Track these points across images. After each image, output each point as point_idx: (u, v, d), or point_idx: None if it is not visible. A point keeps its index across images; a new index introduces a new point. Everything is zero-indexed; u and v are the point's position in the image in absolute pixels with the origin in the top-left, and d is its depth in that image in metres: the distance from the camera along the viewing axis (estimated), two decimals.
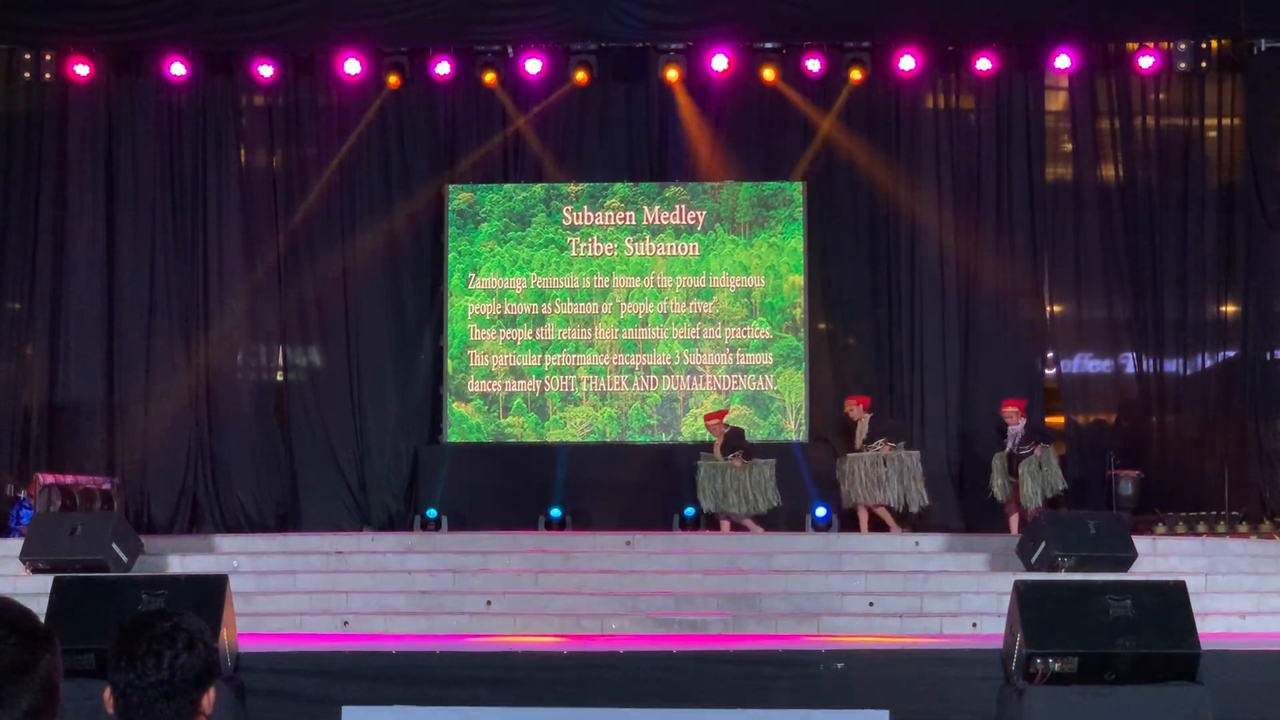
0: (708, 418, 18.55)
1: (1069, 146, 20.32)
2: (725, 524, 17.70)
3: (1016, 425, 17.49)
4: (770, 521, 17.82)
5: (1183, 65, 19.60)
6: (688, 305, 19.96)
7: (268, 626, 13.37)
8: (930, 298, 19.80)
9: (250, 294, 20.13)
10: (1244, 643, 12.29)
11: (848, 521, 18.92)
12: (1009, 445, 17.40)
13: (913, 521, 18.10)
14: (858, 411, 18.27)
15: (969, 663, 10.64)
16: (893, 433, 18.00)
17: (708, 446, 18.24)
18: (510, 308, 20.03)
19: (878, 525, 17.68)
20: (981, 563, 15.32)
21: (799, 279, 19.90)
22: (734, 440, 18.04)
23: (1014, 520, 17.22)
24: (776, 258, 19.97)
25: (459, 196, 20.15)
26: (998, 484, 17.40)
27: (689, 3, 19.92)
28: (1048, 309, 20.14)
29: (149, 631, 3.33)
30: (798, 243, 19.92)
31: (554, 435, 19.72)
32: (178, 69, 19.74)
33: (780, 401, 19.68)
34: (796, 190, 19.98)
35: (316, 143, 20.30)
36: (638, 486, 19.03)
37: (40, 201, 19.94)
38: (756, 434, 19.45)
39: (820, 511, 18.41)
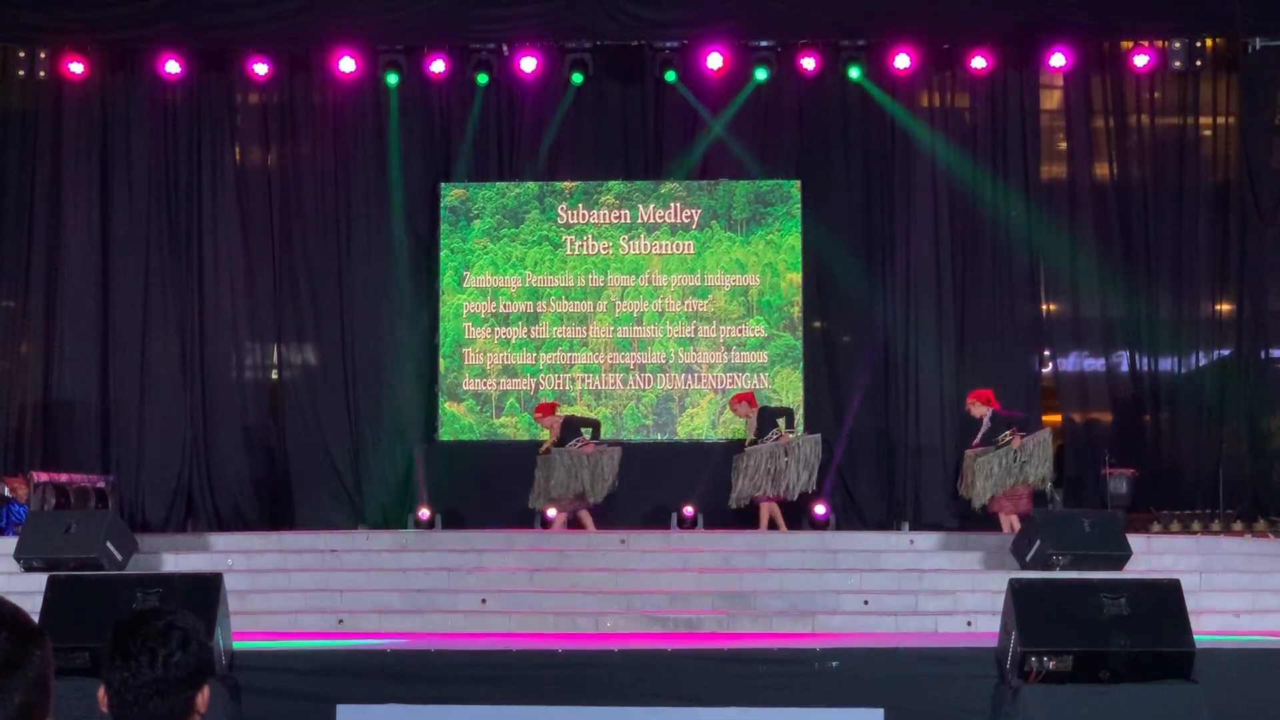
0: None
1: (1064, 145, 20.33)
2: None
3: (984, 415, 17.21)
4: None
5: (1177, 64, 19.61)
6: (683, 303, 19.95)
7: (262, 625, 13.36)
8: (926, 296, 19.79)
9: (245, 292, 20.12)
10: (1239, 641, 12.29)
11: (844, 519, 18.97)
12: (985, 436, 17.12)
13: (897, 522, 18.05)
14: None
15: (964, 661, 10.63)
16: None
17: (704, 446, 18.21)
18: (504, 306, 20.02)
19: (773, 523, 17.51)
20: (976, 561, 15.32)
21: (796, 277, 19.88)
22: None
23: (1008, 519, 17.03)
24: (774, 255, 19.95)
25: (451, 193, 20.14)
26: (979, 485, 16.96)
27: (684, 1, 19.91)
28: (1043, 307, 20.14)
29: (143, 630, 3.33)
30: (795, 240, 19.90)
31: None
32: (172, 67, 19.73)
33: (778, 401, 19.65)
34: (794, 187, 19.98)
35: (311, 141, 20.29)
36: (633, 486, 19.00)
37: (35, 199, 19.93)
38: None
39: (819, 509, 18.38)
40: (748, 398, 18.18)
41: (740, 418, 18.26)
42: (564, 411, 18.34)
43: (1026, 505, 16.79)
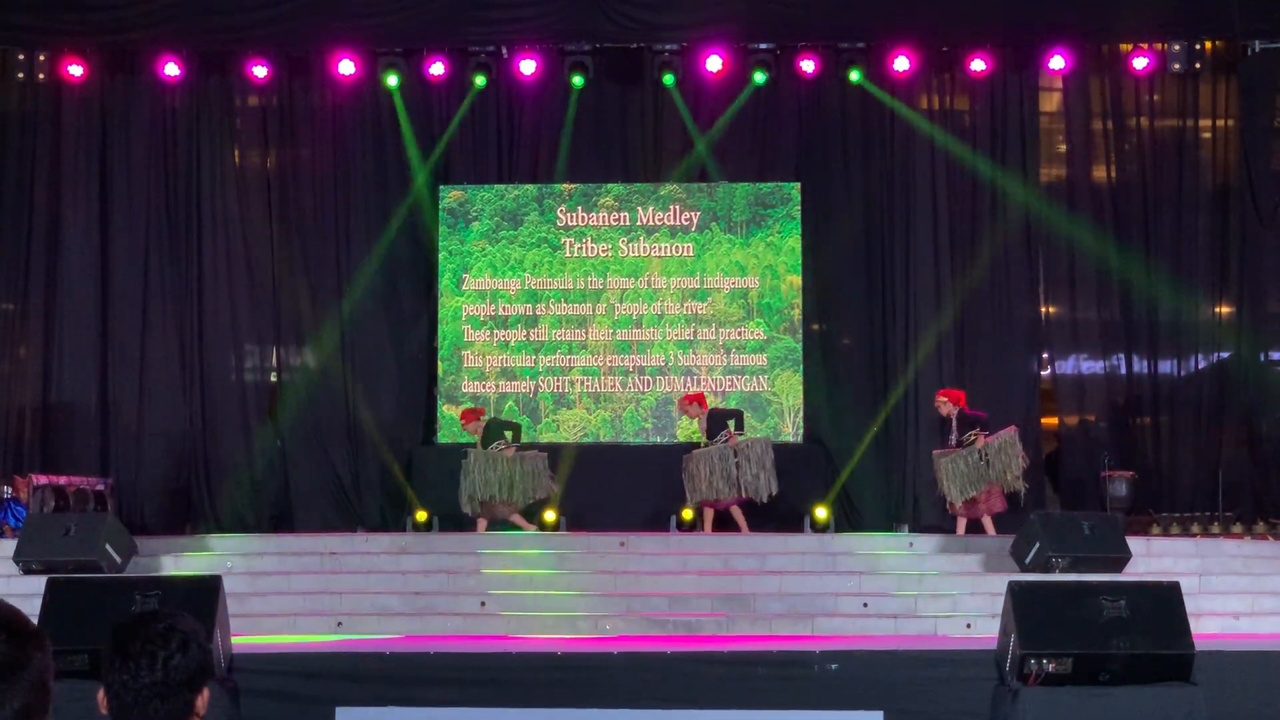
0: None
1: (1063, 147, 20.35)
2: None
3: (952, 415, 17.20)
4: (764, 523, 17.82)
5: (1177, 66, 19.62)
6: (683, 306, 19.94)
7: (262, 627, 13.33)
8: (925, 298, 19.79)
9: (244, 295, 20.12)
10: (1238, 643, 12.28)
11: (843, 522, 18.98)
12: (953, 438, 17.14)
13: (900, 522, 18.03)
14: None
15: (963, 664, 10.62)
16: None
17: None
18: (503, 308, 20.02)
19: (722, 525, 17.42)
20: (976, 564, 15.32)
21: (797, 279, 19.87)
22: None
23: (987, 521, 17.00)
24: (774, 257, 19.94)
25: (449, 195, 20.15)
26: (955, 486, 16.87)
27: (683, 4, 19.93)
28: (1042, 309, 20.14)
29: (143, 632, 3.33)
30: (795, 242, 19.90)
31: (546, 438, 19.69)
32: (171, 69, 19.73)
33: (778, 404, 19.65)
34: (794, 189, 19.97)
35: (310, 143, 20.30)
36: (632, 489, 18.99)
37: (34, 202, 19.94)
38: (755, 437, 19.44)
39: (821, 513, 18.33)
40: (698, 398, 18.14)
41: (691, 419, 18.24)
42: (504, 416, 18.38)
43: (1000, 505, 16.82)
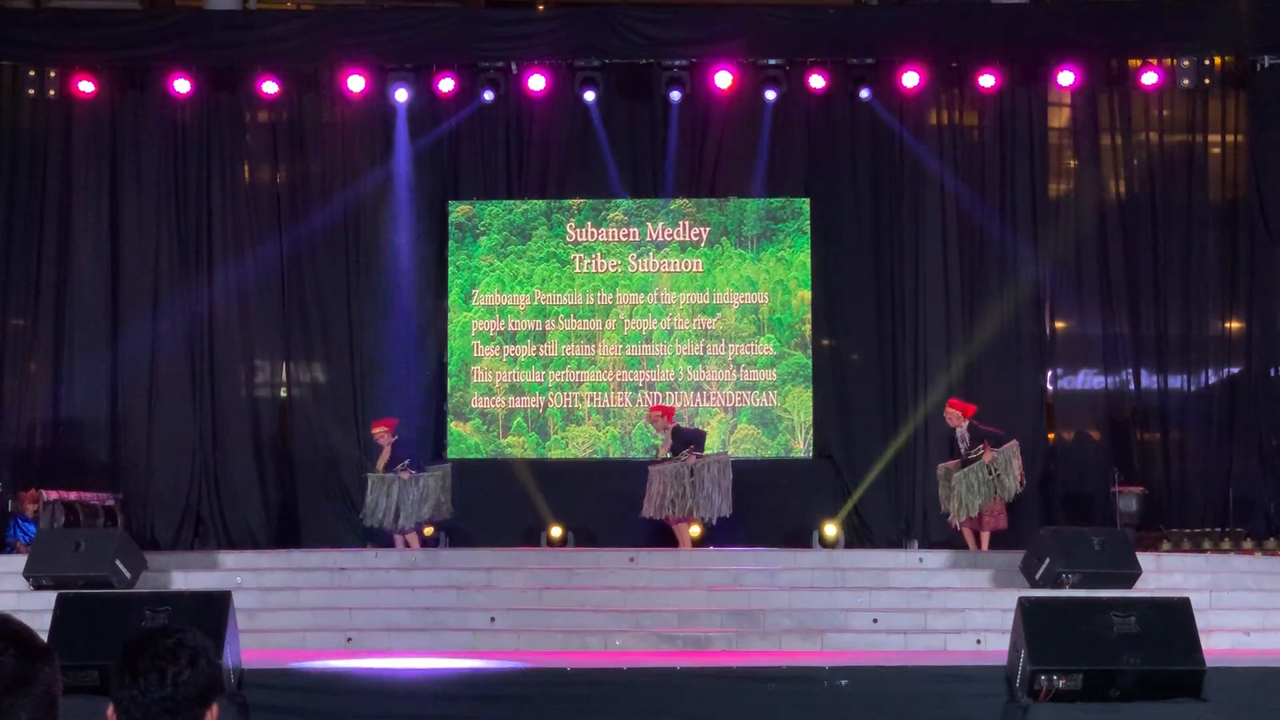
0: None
1: (1072, 163, 20.33)
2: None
3: (960, 427, 17.25)
4: (774, 539, 17.80)
5: (1186, 82, 19.60)
6: (692, 321, 19.94)
7: (271, 643, 13.35)
8: (934, 314, 19.77)
9: (254, 310, 20.14)
10: (1249, 660, 12.26)
11: (853, 537, 18.97)
12: (964, 449, 17.15)
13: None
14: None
15: (973, 679, 10.61)
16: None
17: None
18: (512, 324, 20.02)
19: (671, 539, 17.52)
20: (986, 579, 15.30)
21: (807, 294, 19.85)
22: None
23: (971, 535, 17.04)
24: (785, 272, 19.93)
25: (458, 209, 20.16)
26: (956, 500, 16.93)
27: (693, 20, 19.96)
28: (1050, 325, 20.12)
29: (152, 648, 3.33)
30: (806, 257, 19.89)
31: (555, 454, 19.68)
32: (182, 86, 19.76)
33: (789, 420, 19.62)
34: (805, 204, 19.96)
35: (320, 159, 20.33)
36: (641, 504, 18.95)
37: (45, 218, 19.96)
38: (764, 453, 19.46)
39: (830, 530, 18.29)
40: (667, 412, 18.17)
41: (656, 431, 18.20)
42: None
43: (1002, 522, 16.85)
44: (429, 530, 18.70)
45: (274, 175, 20.44)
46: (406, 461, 17.61)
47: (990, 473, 16.75)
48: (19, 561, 14.93)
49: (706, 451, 17.80)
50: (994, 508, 16.82)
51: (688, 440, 17.69)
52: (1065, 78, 19.64)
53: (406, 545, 17.45)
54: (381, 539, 18.35)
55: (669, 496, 17.29)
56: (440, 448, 19.91)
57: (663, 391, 19.77)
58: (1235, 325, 19.85)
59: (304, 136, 20.36)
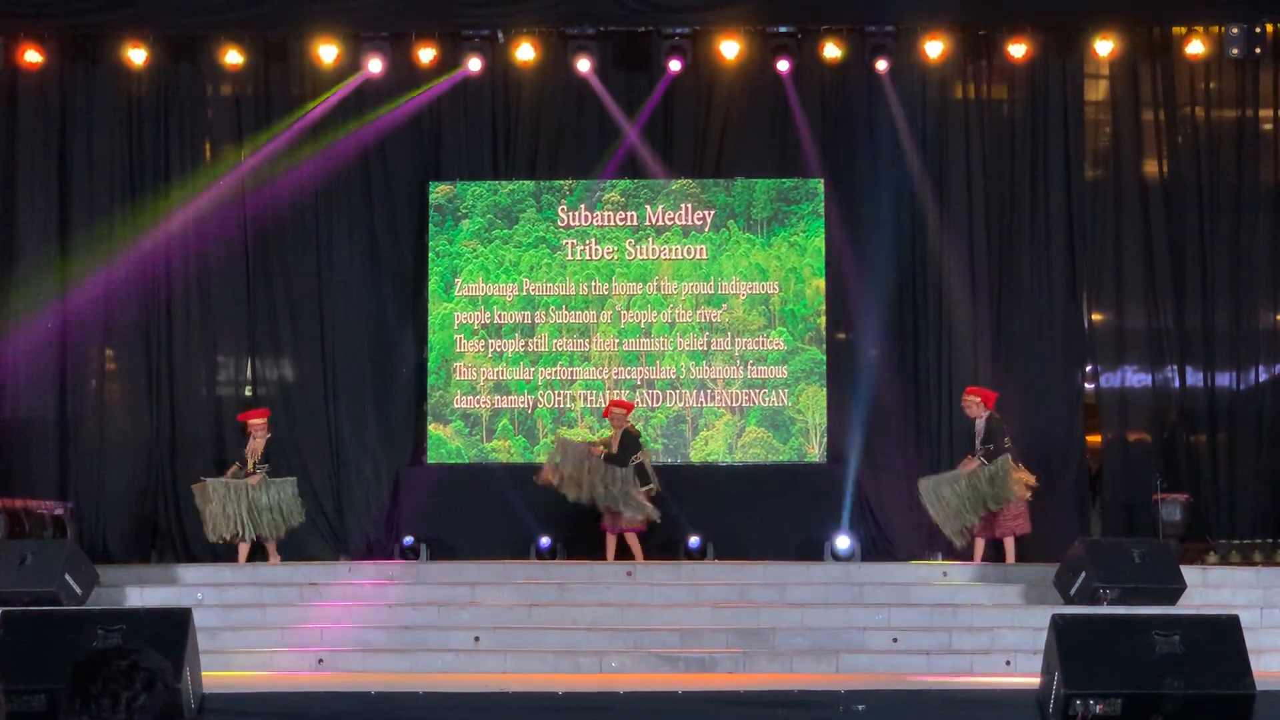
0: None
1: (1110, 140, 20.33)
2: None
3: (980, 418, 17.27)
4: (785, 551, 17.81)
5: (1235, 51, 19.59)
6: (696, 313, 19.93)
7: (235, 665, 13.37)
8: (960, 306, 19.76)
9: (216, 300, 20.12)
10: None
11: (871, 549, 18.98)
12: (978, 445, 17.20)
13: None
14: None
15: (1002, 704, 10.64)
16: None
17: (720, 470, 18.19)
18: (498, 316, 20.00)
19: (623, 554, 17.63)
20: (1016, 595, 15.32)
21: (822, 284, 19.81)
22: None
23: (979, 544, 17.11)
24: (798, 259, 19.88)
25: (437, 190, 20.11)
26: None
27: None
28: (1087, 317, 20.11)
29: (105, 670, 3.34)
30: (821, 242, 19.84)
31: (545, 459, 19.66)
32: (137, 56, 19.75)
33: (801, 422, 19.59)
34: (820, 185, 19.93)
35: (288, 136, 20.31)
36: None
37: None
38: (775, 458, 19.45)
39: (842, 542, 18.27)
40: (627, 408, 18.34)
41: (614, 427, 18.21)
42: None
43: (1024, 526, 16.91)
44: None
45: (238, 153, 20.39)
46: (266, 466, 17.59)
47: (969, 486, 16.82)
48: None
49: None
50: (1007, 512, 16.84)
51: (636, 448, 17.78)
52: (1103, 47, 19.64)
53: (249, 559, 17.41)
54: (352, 550, 18.39)
55: (566, 473, 17.56)
56: (419, 452, 19.92)
57: (663, 390, 19.78)
58: None
59: (270, 111, 20.34)
